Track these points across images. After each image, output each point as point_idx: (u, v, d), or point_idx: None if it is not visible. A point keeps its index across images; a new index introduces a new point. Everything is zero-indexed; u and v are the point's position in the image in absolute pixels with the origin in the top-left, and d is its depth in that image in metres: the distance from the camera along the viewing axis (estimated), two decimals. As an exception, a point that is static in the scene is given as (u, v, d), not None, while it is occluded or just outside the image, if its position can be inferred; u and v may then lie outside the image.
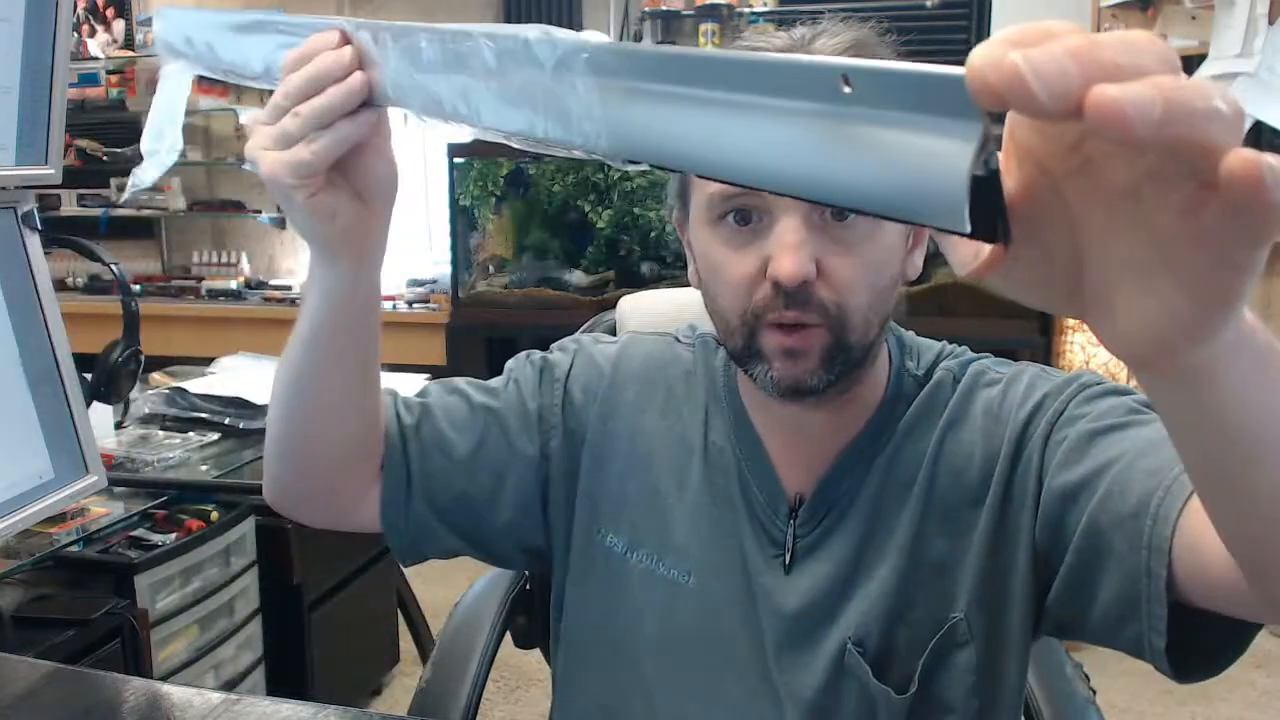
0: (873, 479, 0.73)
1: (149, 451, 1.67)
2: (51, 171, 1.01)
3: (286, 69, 0.55)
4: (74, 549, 1.41)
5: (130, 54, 3.93)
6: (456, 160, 3.27)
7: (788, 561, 0.74)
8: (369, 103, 0.54)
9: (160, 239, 4.15)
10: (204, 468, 1.67)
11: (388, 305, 3.40)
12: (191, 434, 1.77)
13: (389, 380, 0.73)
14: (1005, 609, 0.70)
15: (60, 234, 1.17)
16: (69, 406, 1.01)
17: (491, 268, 3.47)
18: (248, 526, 1.66)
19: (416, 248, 3.78)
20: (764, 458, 0.76)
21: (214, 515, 1.59)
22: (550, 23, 0.44)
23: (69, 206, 3.95)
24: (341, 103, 0.54)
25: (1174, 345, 0.33)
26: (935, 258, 0.68)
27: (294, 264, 4.06)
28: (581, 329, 1.05)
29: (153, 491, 1.59)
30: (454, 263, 3.35)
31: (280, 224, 3.97)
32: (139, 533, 1.50)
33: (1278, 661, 2.35)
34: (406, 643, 2.23)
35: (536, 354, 0.84)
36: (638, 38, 3.48)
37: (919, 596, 0.71)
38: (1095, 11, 2.71)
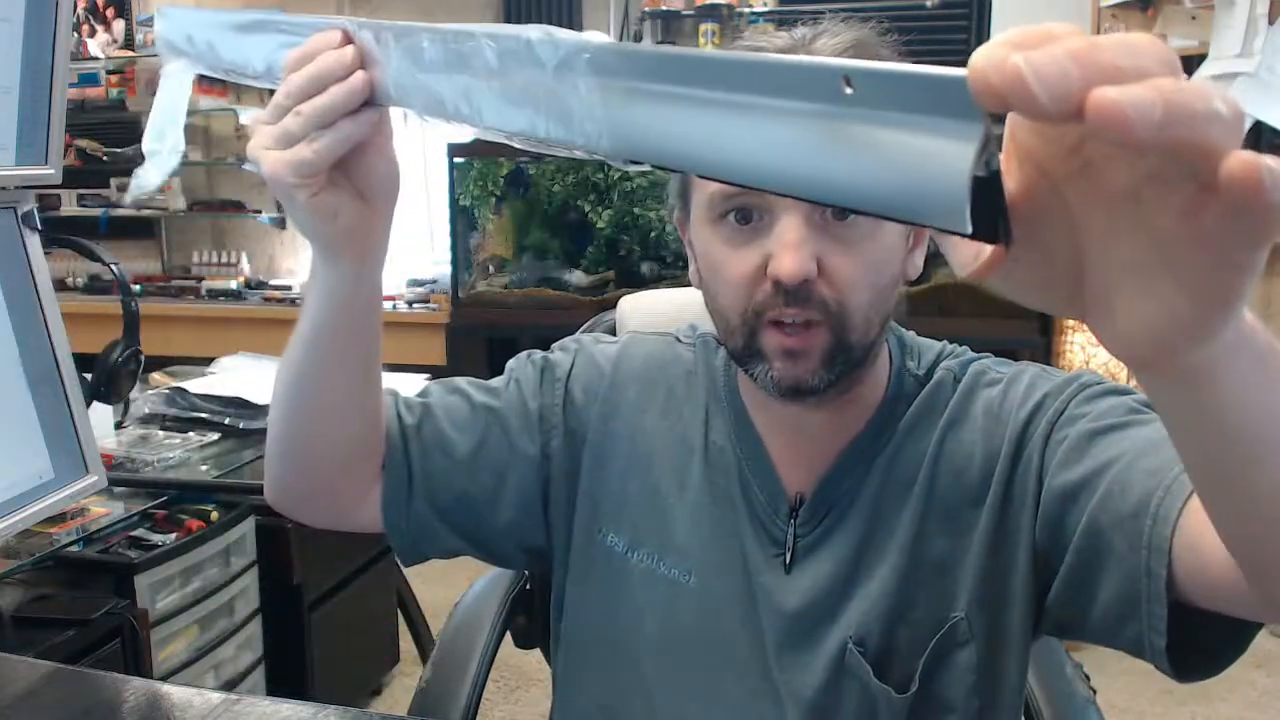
0: (873, 479, 0.73)
1: (149, 451, 1.67)
2: (51, 171, 1.01)
3: (288, 68, 0.55)
4: (74, 549, 1.41)
5: (130, 54, 3.93)
6: (456, 160, 3.27)
7: (788, 561, 0.74)
8: (371, 102, 0.55)
9: (160, 239, 4.15)
10: (204, 468, 1.67)
11: (388, 305, 3.39)
12: (191, 434, 1.77)
13: (389, 380, 0.73)
14: (1005, 608, 0.70)
15: (60, 234, 1.18)
16: (69, 406, 1.01)
17: (491, 268, 3.47)
18: (248, 526, 1.66)
19: (417, 247, 3.78)
20: (765, 457, 0.76)
21: (214, 515, 1.59)
22: (550, 23, 0.44)
23: (69, 206, 3.95)
24: (343, 102, 0.54)
25: (1174, 346, 0.33)
26: (936, 258, 0.68)
27: (294, 264, 4.06)
28: (581, 329, 1.06)
29: (153, 491, 1.59)
30: (454, 263, 3.35)
31: (280, 224, 3.97)
32: (139, 533, 1.51)
33: (1278, 661, 2.35)
34: (406, 643, 2.23)
35: (537, 354, 0.84)
36: (638, 38, 3.48)
37: (919, 596, 0.71)
38: (1095, 12, 2.71)
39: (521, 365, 0.83)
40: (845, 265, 0.65)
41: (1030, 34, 0.28)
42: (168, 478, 1.63)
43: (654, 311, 1.09)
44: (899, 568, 0.71)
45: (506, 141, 0.46)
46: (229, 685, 1.63)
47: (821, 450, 0.74)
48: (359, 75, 0.54)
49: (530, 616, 1.10)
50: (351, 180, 0.59)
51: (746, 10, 3.34)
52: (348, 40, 0.54)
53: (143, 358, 1.42)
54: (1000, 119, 0.30)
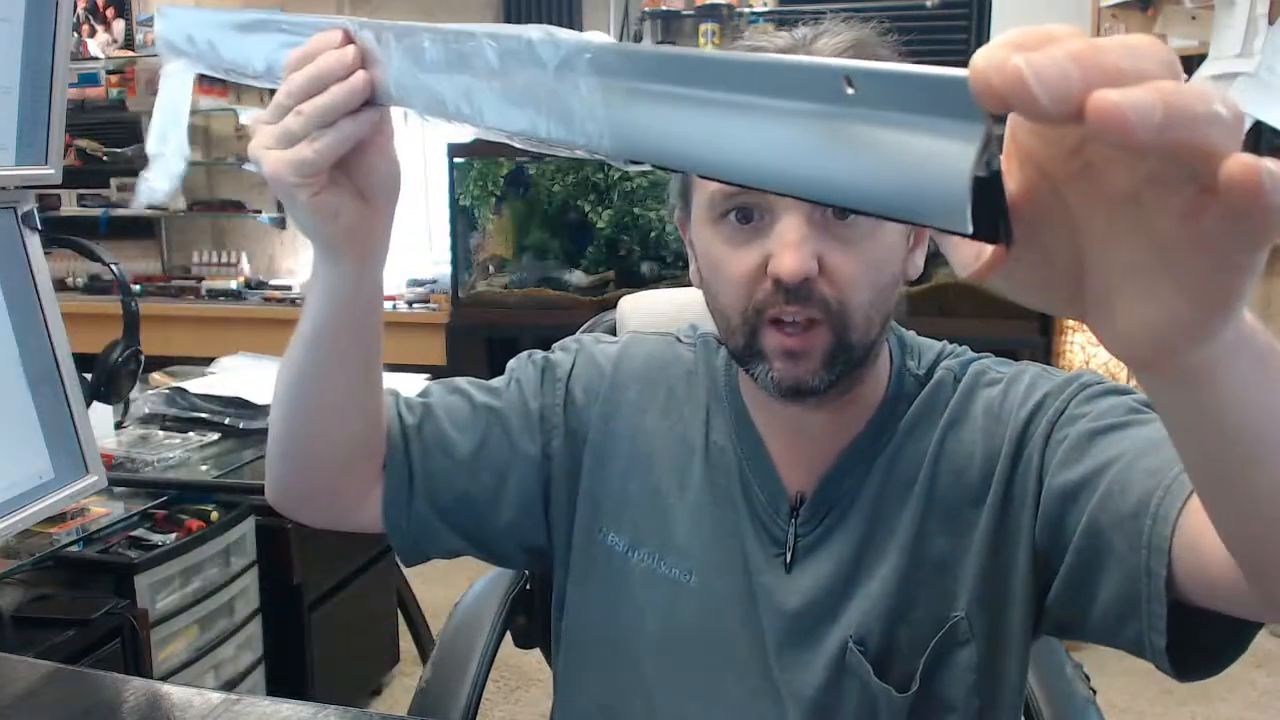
0: (874, 478, 0.73)
1: (149, 451, 1.67)
2: (51, 171, 1.01)
3: (289, 68, 0.55)
4: (74, 549, 1.41)
5: (130, 54, 3.93)
6: (456, 160, 3.27)
7: (789, 560, 0.74)
8: (371, 101, 0.55)
9: (160, 239, 4.15)
10: (204, 468, 1.67)
11: (388, 305, 3.39)
12: (191, 434, 1.77)
13: (389, 380, 0.73)
14: (1006, 608, 0.70)
15: (60, 234, 1.17)
16: (69, 406, 1.01)
17: (491, 268, 3.47)
18: (248, 526, 1.67)
19: (416, 248, 3.78)
20: (765, 457, 0.76)
21: (214, 515, 1.59)
22: (550, 22, 0.44)
23: (69, 206, 3.95)
24: (344, 101, 0.54)
25: (1174, 346, 0.33)
26: (936, 257, 0.68)
27: (294, 264, 4.06)
28: (582, 329, 1.06)
29: (153, 491, 1.59)
30: (454, 263, 3.35)
31: (280, 224, 3.97)
32: (139, 533, 1.51)
33: (1278, 661, 2.35)
34: (406, 643, 2.23)
35: (538, 354, 0.84)
36: (638, 38, 3.48)
37: (920, 595, 0.71)
38: (1095, 12, 2.72)
39: (522, 365, 0.83)
40: (846, 264, 0.66)
41: (1031, 35, 0.29)
42: (168, 478, 1.63)
43: (654, 311, 1.09)
44: (899, 567, 0.71)
45: (507, 141, 0.47)
46: (229, 685, 1.63)
47: (822, 450, 0.74)
48: (360, 75, 0.54)
49: (530, 616, 1.10)
50: (353, 180, 0.59)
51: (746, 10, 3.34)
52: (349, 40, 0.54)
53: (143, 358, 1.42)
54: (1001, 120, 0.30)
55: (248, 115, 3.70)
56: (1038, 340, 2.77)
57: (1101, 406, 0.67)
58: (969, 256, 0.34)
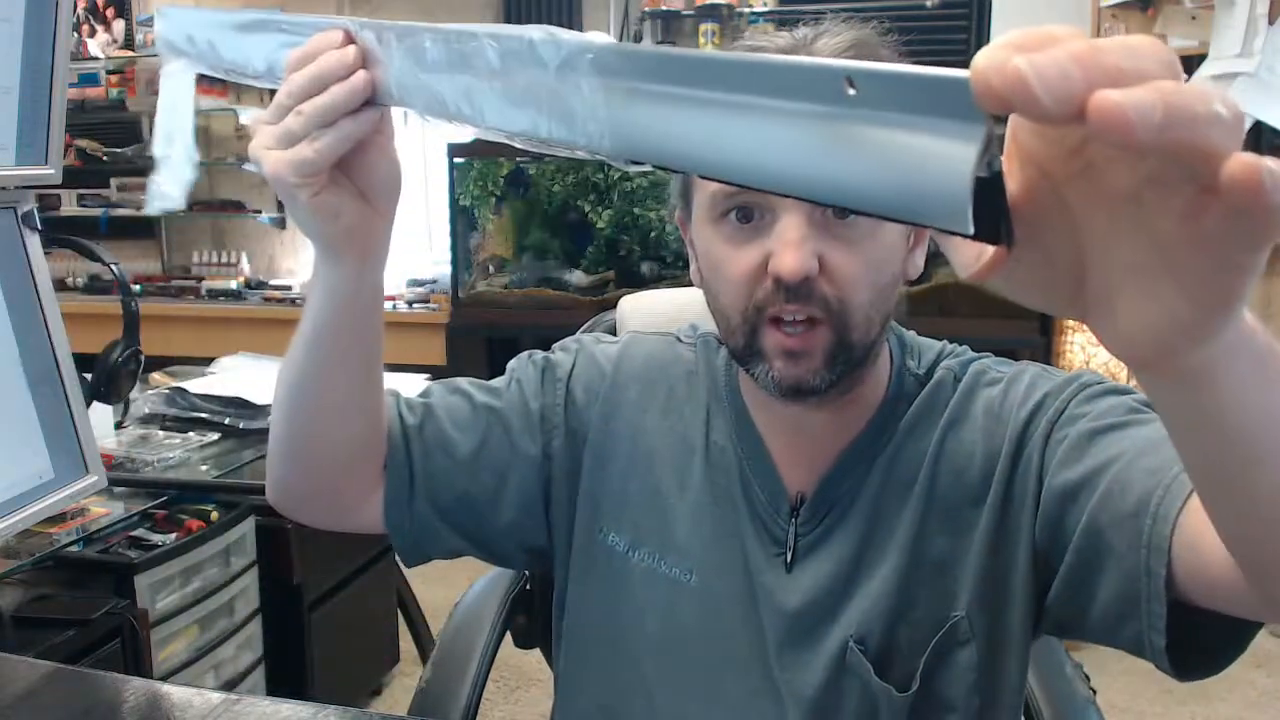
0: (874, 478, 0.73)
1: (149, 451, 1.67)
2: (51, 171, 1.01)
3: (290, 68, 0.56)
4: (74, 549, 1.41)
5: (130, 54, 3.93)
6: (456, 160, 3.27)
7: (789, 560, 0.74)
8: (372, 101, 0.55)
9: (160, 239, 4.15)
10: (204, 468, 1.67)
11: (388, 305, 3.39)
12: (191, 434, 1.77)
13: (389, 380, 0.73)
14: (1006, 608, 0.70)
15: (60, 234, 1.17)
16: (69, 406, 1.01)
17: (491, 268, 3.47)
18: (248, 526, 1.67)
19: (416, 248, 3.78)
20: (765, 457, 0.76)
21: (214, 515, 1.59)
22: (550, 23, 0.44)
23: (69, 206, 3.95)
24: (345, 101, 0.54)
25: (1175, 346, 0.33)
26: (936, 257, 0.68)
27: (294, 264, 4.06)
28: (582, 329, 1.06)
29: (153, 491, 1.59)
30: (454, 263, 3.35)
31: (280, 224, 3.97)
32: (139, 533, 1.51)
33: (1278, 661, 2.35)
34: (406, 643, 2.23)
35: (539, 354, 0.84)
36: (638, 38, 3.48)
37: (920, 595, 0.71)
38: (1095, 11, 2.72)
39: (522, 365, 0.83)
40: (846, 263, 0.66)
41: (1032, 36, 0.29)
42: (168, 478, 1.63)
43: (654, 311, 1.09)
44: (900, 567, 0.71)
45: (507, 142, 0.47)
46: (229, 685, 1.63)
47: (822, 449, 0.74)
48: (360, 75, 0.54)
49: (530, 616, 1.10)
50: (353, 180, 0.59)
51: (746, 10, 3.34)
52: (349, 40, 0.54)
53: (143, 358, 1.42)
54: (1002, 120, 0.30)
55: (248, 115, 3.70)
56: (1038, 340, 2.77)
57: (1101, 406, 0.67)
58: (970, 257, 0.34)
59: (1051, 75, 0.27)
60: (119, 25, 3.98)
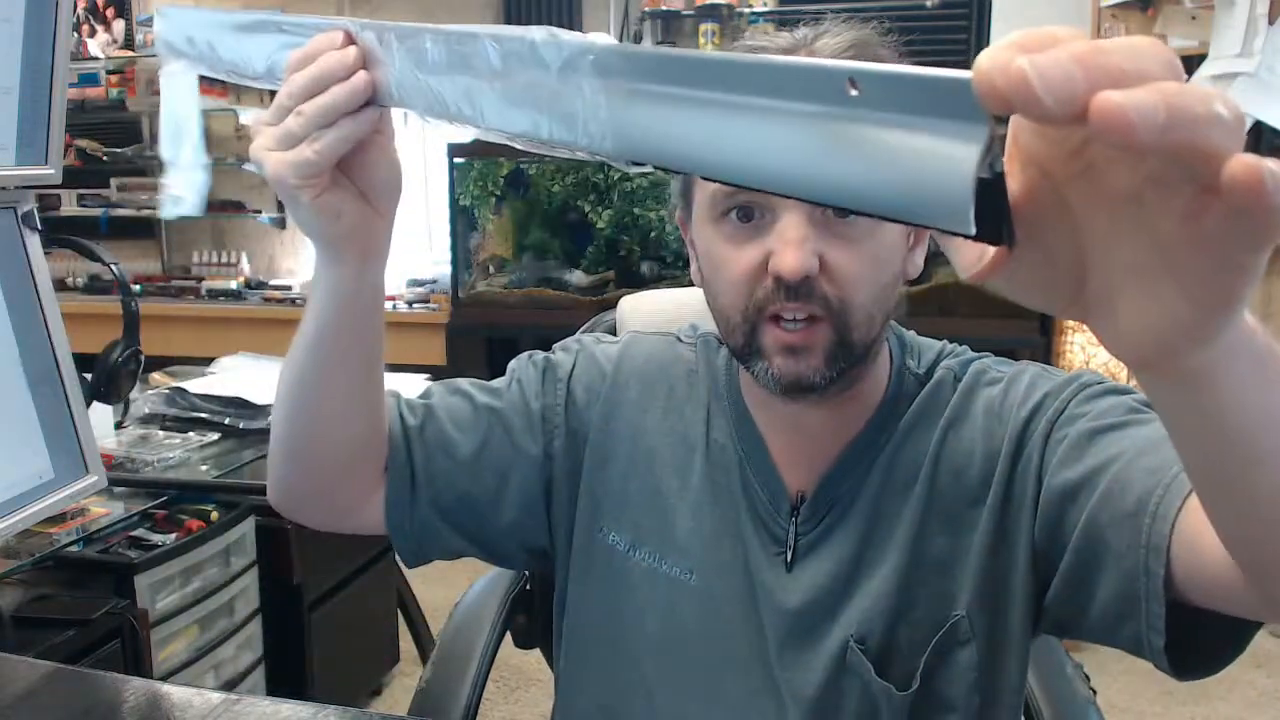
0: (874, 477, 0.73)
1: (149, 451, 1.67)
2: (51, 171, 1.01)
3: (290, 69, 0.56)
4: (74, 549, 1.41)
5: (130, 54, 3.93)
6: (456, 160, 3.28)
7: (789, 559, 0.74)
8: (372, 102, 0.55)
9: (160, 239, 4.15)
10: (204, 468, 1.67)
11: (388, 305, 3.40)
12: (191, 434, 1.77)
13: (389, 380, 0.73)
14: (1006, 607, 0.70)
15: (60, 234, 1.17)
16: (69, 406, 1.01)
17: (491, 268, 3.47)
18: (248, 526, 1.67)
19: (416, 248, 3.78)
20: (766, 456, 0.76)
21: (214, 515, 1.59)
22: (550, 23, 0.44)
23: (69, 206, 3.95)
24: (345, 101, 0.54)
25: (1175, 347, 0.33)
26: (936, 257, 0.68)
27: (294, 264, 4.06)
28: (582, 329, 1.06)
29: (153, 491, 1.59)
30: (454, 263, 3.36)
31: (280, 224, 3.97)
32: (139, 533, 1.51)
33: (1278, 661, 2.35)
34: (406, 643, 2.23)
35: (539, 354, 0.84)
36: (637, 38, 3.48)
37: (920, 595, 0.72)
38: (1095, 12, 2.72)
39: (523, 366, 0.83)
40: (847, 262, 0.66)
41: (1034, 37, 0.29)
42: (168, 478, 1.63)
43: (654, 311, 1.09)
44: (900, 566, 0.71)
45: (508, 142, 0.47)
46: (229, 685, 1.63)
47: (823, 449, 0.74)
48: (361, 75, 0.54)
49: (530, 616, 1.10)
50: (354, 180, 0.59)
51: (746, 10, 3.34)
52: (350, 41, 0.54)
53: (143, 358, 1.42)
54: (1003, 121, 0.30)
55: (248, 115, 3.70)
56: (1038, 340, 2.77)
57: (1101, 406, 0.67)
58: (971, 258, 0.34)
59: (1054, 76, 0.27)
60: (119, 25, 3.98)
